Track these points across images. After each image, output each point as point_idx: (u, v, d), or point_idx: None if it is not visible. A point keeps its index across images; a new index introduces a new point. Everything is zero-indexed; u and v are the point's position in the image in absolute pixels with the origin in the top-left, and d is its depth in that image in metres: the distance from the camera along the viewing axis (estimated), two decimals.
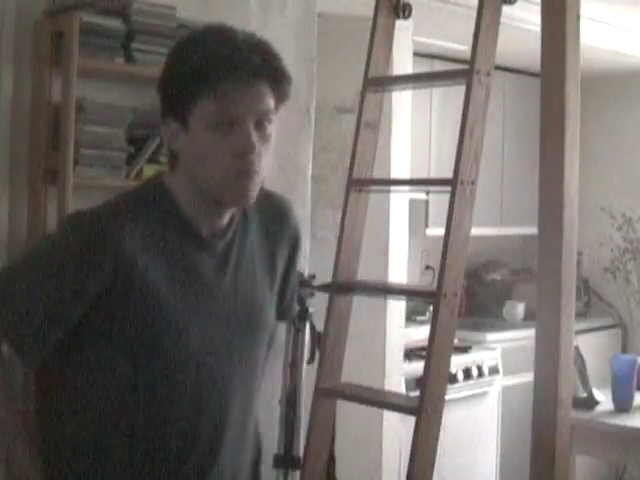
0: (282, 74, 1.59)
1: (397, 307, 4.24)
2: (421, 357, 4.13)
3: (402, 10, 3.13)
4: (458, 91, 2.90)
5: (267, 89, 1.57)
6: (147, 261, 1.57)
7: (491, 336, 4.96)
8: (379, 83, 3.10)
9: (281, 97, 1.60)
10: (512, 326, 5.22)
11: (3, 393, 1.62)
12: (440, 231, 2.91)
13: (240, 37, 1.57)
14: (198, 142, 1.56)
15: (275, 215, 1.80)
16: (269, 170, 1.65)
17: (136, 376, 1.60)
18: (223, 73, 1.52)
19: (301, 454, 2.95)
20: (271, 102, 1.58)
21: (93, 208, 1.61)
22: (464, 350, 4.69)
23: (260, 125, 1.58)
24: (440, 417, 2.76)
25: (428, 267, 5.17)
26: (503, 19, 2.86)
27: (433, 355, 2.72)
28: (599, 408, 3.59)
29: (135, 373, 1.59)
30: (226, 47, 1.54)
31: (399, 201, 4.26)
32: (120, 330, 1.58)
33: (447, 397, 2.85)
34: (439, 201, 4.45)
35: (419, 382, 3.49)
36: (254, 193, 1.60)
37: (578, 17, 2.84)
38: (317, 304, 3.06)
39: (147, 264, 1.57)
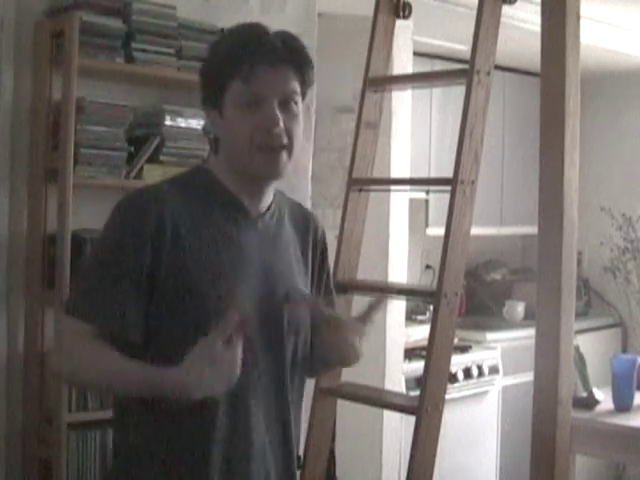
0: (304, 59, 1.73)
1: (397, 307, 4.24)
2: (421, 356, 4.13)
3: (402, 10, 3.14)
4: (458, 91, 2.91)
5: (291, 72, 1.71)
6: (191, 229, 1.67)
7: (491, 336, 4.95)
8: (379, 83, 3.11)
9: (305, 81, 1.74)
10: (512, 326, 5.21)
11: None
12: (440, 231, 2.91)
13: (268, 29, 1.73)
14: (229, 122, 1.70)
15: (301, 216, 1.90)
16: (300, 146, 1.77)
17: (186, 343, 1.64)
18: (249, 57, 1.67)
19: (301, 453, 2.95)
20: (295, 84, 1.72)
21: (136, 188, 1.76)
22: (464, 350, 4.69)
23: (286, 105, 1.70)
24: (440, 416, 2.76)
25: (428, 267, 5.17)
26: (503, 19, 2.86)
27: (433, 354, 2.72)
28: (599, 408, 3.58)
29: (185, 340, 1.64)
30: (253, 35, 1.71)
31: (399, 201, 4.26)
32: (173, 297, 1.65)
33: (447, 397, 2.85)
34: (439, 201, 4.45)
35: (419, 381, 3.49)
36: (283, 168, 1.72)
37: (578, 17, 2.84)
38: None
39: (191, 232, 1.67)
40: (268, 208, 1.79)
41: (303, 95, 1.75)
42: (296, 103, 1.72)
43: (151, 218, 1.64)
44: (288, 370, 1.78)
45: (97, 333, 1.63)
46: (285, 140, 1.69)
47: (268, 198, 1.79)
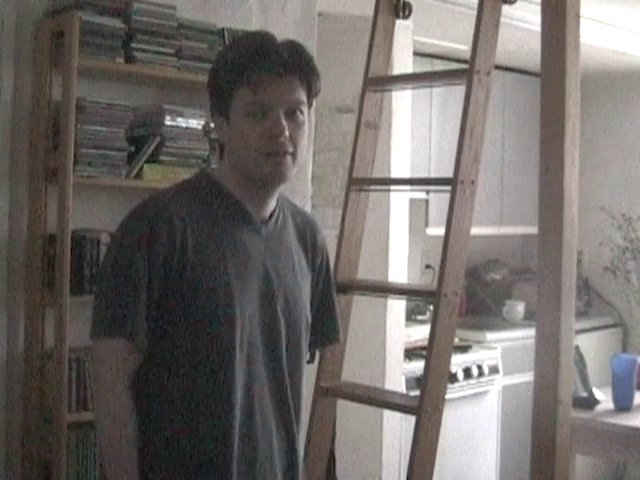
0: (311, 69, 1.76)
1: (397, 306, 4.24)
2: (421, 356, 4.13)
3: (402, 10, 3.14)
4: (458, 91, 2.91)
5: (297, 82, 1.74)
6: (198, 237, 1.71)
7: (491, 335, 4.96)
8: (379, 83, 3.10)
9: (312, 91, 1.78)
10: (512, 326, 5.21)
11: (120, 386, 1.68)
12: (440, 231, 2.91)
13: (275, 39, 1.76)
14: (236, 129, 1.74)
15: (304, 223, 1.92)
16: (305, 154, 1.81)
17: (194, 346, 1.70)
18: (257, 66, 1.70)
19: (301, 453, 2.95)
20: (301, 94, 1.75)
21: (146, 198, 1.78)
22: (464, 349, 4.69)
23: (292, 114, 1.74)
24: (440, 416, 2.76)
25: (428, 267, 5.17)
26: (503, 19, 2.86)
27: (433, 354, 2.72)
28: (599, 407, 3.59)
29: (193, 343, 1.70)
30: (261, 45, 1.73)
31: (399, 201, 4.26)
32: (180, 302, 1.69)
33: (447, 397, 2.85)
34: (439, 201, 4.45)
35: (419, 381, 3.49)
36: (287, 171, 1.75)
37: (578, 17, 2.84)
38: None
39: (198, 239, 1.70)
40: (272, 214, 1.82)
41: (309, 104, 1.78)
42: (302, 112, 1.75)
43: (162, 228, 1.67)
44: (287, 374, 1.81)
45: (129, 347, 1.67)
46: (291, 148, 1.73)
47: (272, 204, 1.82)
